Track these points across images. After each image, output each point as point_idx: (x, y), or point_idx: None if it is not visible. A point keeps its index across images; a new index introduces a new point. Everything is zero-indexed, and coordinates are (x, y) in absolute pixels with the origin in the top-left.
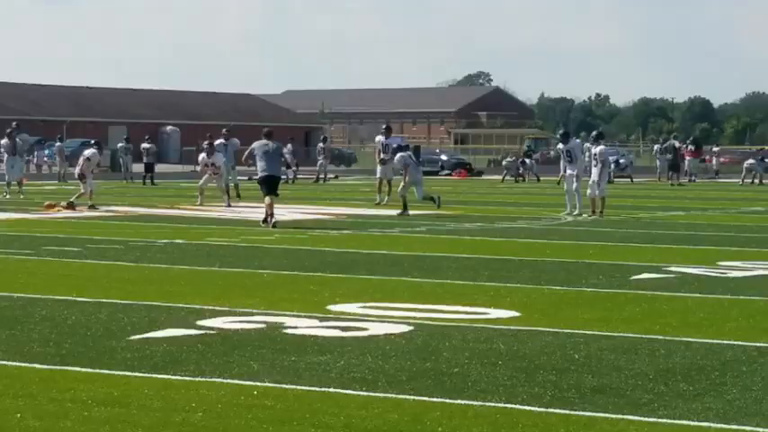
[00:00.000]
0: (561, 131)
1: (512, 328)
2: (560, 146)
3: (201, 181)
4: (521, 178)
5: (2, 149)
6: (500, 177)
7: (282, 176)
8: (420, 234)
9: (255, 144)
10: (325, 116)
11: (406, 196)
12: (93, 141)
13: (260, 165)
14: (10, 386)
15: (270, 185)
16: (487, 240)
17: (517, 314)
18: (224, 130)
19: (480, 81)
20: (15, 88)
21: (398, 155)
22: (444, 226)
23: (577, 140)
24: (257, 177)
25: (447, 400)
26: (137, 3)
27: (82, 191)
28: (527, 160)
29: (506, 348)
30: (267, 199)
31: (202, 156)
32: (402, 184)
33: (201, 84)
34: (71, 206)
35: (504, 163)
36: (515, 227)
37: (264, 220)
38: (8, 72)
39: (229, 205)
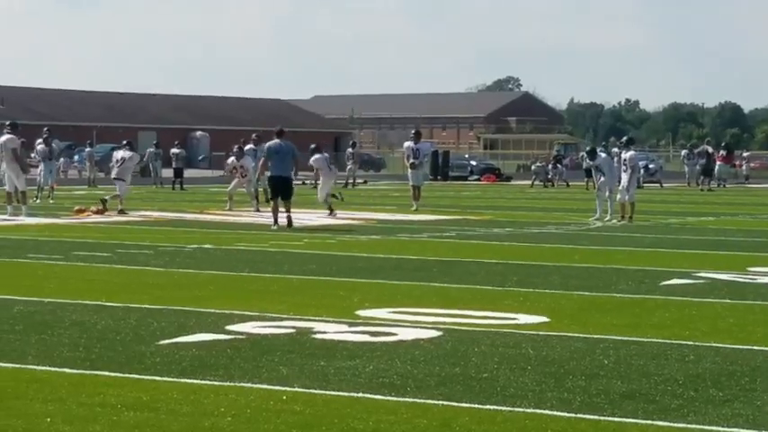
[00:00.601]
0: (588, 149)
1: (541, 333)
2: (588, 162)
3: (231, 186)
4: (549, 183)
5: (37, 155)
6: (529, 182)
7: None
8: (449, 239)
9: (268, 144)
10: (354, 121)
11: (336, 196)
12: (125, 142)
13: (269, 165)
14: (40, 391)
15: (280, 188)
16: (516, 246)
17: (546, 319)
18: (254, 135)
19: (510, 86)
20: (46, 94)
21: (315, 156)
22: (473, 231)
23: (604, 155)
24: (267, 177)
25: (476, 406)
26: (166, 8)
27: (117, 192)
28: (558, 165)
29: (535, 354)
30: (272, 203)
31: (231, 159)
32: (320, 187)
33: (231, 89)
34: (103, 204)
35: (533, 168)
36: (544, 232)
37: (275, 222)
38: (39, 78)
39: (258, 210)
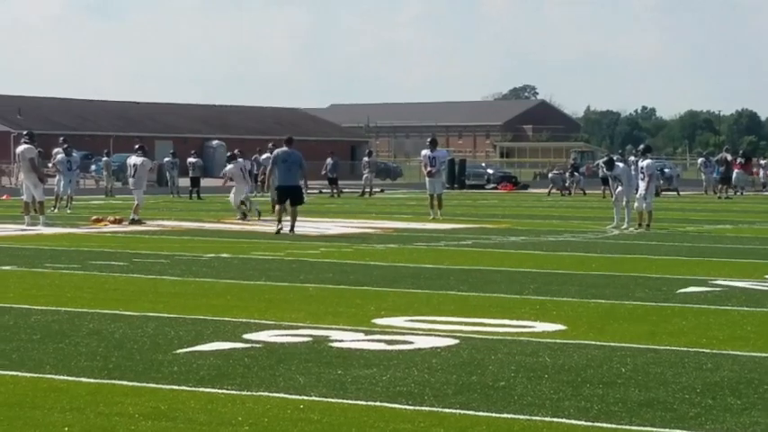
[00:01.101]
0: (605, 159)
1: (558, 341)
2: (606, 171)
3: (233, 196)
4: (566, 192)
5: (57, 165)
6: (546, 191)
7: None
8: (466, 248)
9: (276, 152)
10: (370, 130)
11: (245, 204)
12: (137, 147)
13: (277, 174)
14: (58, 400)
15: (288, 197)
16: (533, 254)
17: (563, 327)
18: (270, 144)
19: (526, 94)
20: (62, 103)
21: (229, 166)
22: (490, 239)
23: (622, 165)
24: (275, 186)
25: (493, 414)
26: (182, 18)
27: (136, 201)
28: (575, 173)
29: (552, 362)
30: (277, 207)
31: (228, 167)
32: (234, 193)
33: (247, 98)
34: (137, 221)
35: (549, 176)
36: (561, 240)
37: (278, 231)
38: (55, 87)
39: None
